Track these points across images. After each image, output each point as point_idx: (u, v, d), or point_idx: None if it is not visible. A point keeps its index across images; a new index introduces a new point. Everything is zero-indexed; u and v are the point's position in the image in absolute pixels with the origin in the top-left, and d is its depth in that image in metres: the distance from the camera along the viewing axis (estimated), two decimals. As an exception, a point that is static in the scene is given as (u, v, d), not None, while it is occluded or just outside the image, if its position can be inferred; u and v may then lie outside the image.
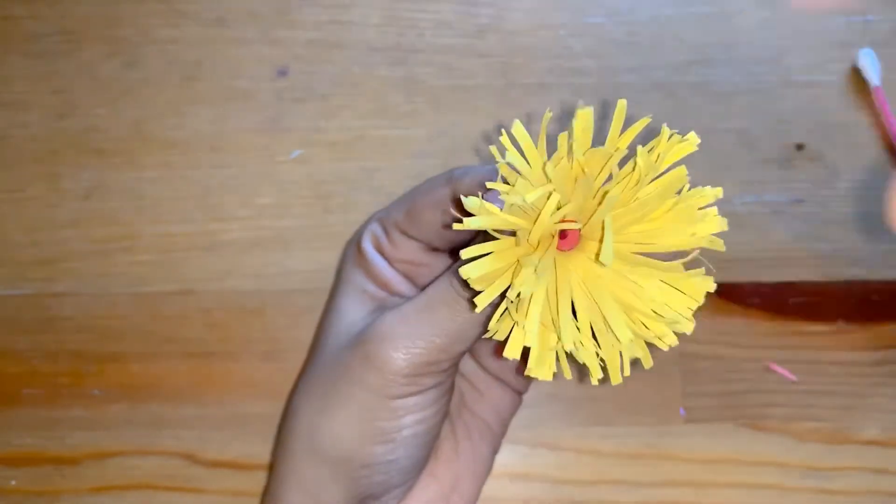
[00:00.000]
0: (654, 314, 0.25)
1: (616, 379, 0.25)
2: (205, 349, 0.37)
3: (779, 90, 0.39)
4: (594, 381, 0.25)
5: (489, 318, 0.25)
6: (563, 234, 0.25)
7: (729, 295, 0.37)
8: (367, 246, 0.33)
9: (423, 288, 0.33)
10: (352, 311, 0.32)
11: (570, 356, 0.25)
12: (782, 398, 0.37)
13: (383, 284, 0.33)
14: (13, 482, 0.36)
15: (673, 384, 0.37)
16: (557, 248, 0.25)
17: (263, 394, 0.36)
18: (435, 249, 0.33)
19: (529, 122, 0.39)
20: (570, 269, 0.25)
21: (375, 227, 0.33)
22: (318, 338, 0.34)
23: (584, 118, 0.23)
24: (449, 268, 0.30)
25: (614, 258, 0.24)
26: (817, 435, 0.36)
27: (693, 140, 0.24)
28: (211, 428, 0.36)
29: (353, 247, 0.34)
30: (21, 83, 0.39)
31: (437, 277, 0.30)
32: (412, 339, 0.28)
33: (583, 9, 0.40)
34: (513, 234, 0.24)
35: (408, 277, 0.33)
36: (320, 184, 0.38)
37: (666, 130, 0.24)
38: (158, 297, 0.37)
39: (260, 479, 0.36)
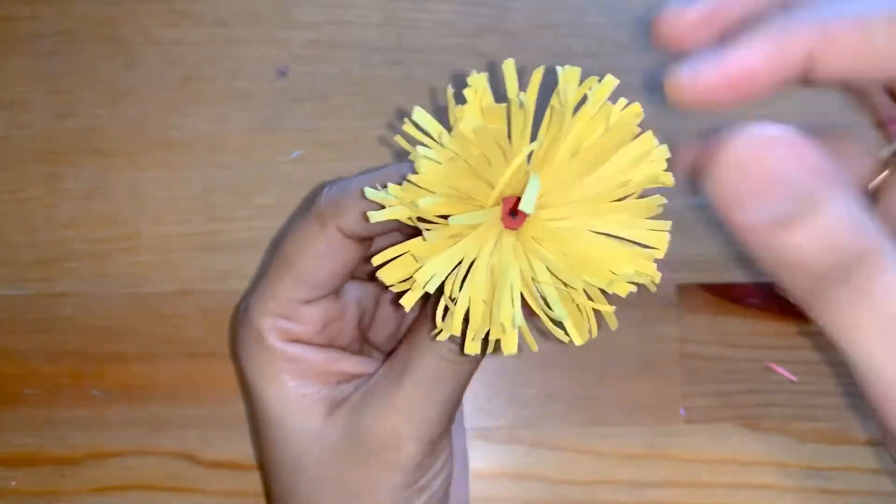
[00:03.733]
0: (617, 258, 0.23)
1: (583, 336, 0.23)
2: (205, 349, 0.37)
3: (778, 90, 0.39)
4: (564, 339, 0.23)
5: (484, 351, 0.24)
6: (510, 211, 0.23)
7: (729, 295, 0.37)
8: (282, 346, 0.29)
9: (366, 341, 0.32)
10: (306, 424, 0.29)
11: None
12: (782, 398, 0.36)
13: (322, 375, 0.29)
14: (13, 482, 0.36)
15: (673, 384, 0.37)
16: (506, 227, 0.23)
17: (263, 394, 0.36)
18: (334, 294, 0.30)
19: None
20: (517, 241, 0.23)
21: (270, 322, 0.29)
22: (276, 465, 0.30)
23: (477, 84, 0.22)
24: (411, 332, 0.28)
25: (563, 217, 0.23)
26: (817, 435, 0.36)
27: (610, 82, 0.23)
28: (211, 428, 0.36)
29: (257, 361, 0.29)
30: (21, 83, 0.39)
31: (398, 344, 0.29)
32: (426, 426, 0.27)
33: (583, 9, 0.40)
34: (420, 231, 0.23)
35: (332, 344, 0.30)
36: (320, 184, 0.38)
37: (586, 80, 0.22)
38: (158, 298, 0.37)
39: (260, 479, 0.36)
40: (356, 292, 0.31)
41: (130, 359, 0.37)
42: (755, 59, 0.21)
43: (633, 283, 0.23)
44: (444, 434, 0.29)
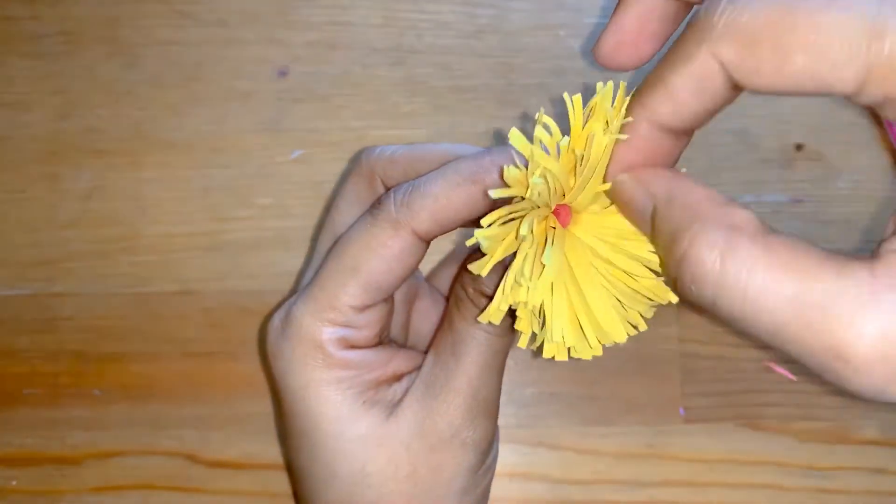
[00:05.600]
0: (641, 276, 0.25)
1: (621, 336, 0.25)
2: (205, 349, 0.37)
3: (778, 90, 0.39)
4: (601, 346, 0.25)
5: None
6: (556, 213, 0.25)
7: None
8: (342, 354, 0.28)
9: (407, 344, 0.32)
10: (370, 430, 0.28)
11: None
12: (782, 398, 0.37)
13: (378, 379, 0.29)
14: (14, 482, 0.36)
15: (673, 384, 0.37)
16: (562, 223, 0.25)
17: (263, 394, 0.36)
18: (385, 300, 0.29)
19: (527, 118, 0.39)
20: (572, 236, 0.25)
21: (331, 332, 0.28)
22: (334, 477, 0.29)
23: (607, 95, 0.23)
24: (449, 317, 0.29)
25: (598, 238, 0.24)
26: (817, 435, 0.36)
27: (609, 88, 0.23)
28: (211, 428, 0.36)
29: (311, 374, 0.28)
30: (22, 84, 0.39)
31: (435, 333, 0.30)
32: (492, 399, 0.29)
33: (582, 9, 0.40)
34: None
35: (382, 343, 0.30)
36: (320, 184, 0.38)
37: (600, 86, 0.23)
38: (159, 298, 0.37)
39: (260, 478, 0.36)
40: (402, 286, 0.31)
41: (130, 359, 0.37)
42: (625, 23, 0.25)
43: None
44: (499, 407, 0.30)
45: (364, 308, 0.28)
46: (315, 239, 0.35)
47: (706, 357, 0.37)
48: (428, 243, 0.28)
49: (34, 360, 0.37)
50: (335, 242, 0.29)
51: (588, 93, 0.23)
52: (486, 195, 0.26)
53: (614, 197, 0.23)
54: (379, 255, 0.27)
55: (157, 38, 0.39)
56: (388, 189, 0.29)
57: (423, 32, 0.39)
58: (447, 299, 0.33)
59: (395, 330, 0.32)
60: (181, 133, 0.39)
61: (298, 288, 0.31)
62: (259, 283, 0.37)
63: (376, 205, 0.27)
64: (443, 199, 0.26)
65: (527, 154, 0.23)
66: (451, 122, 0.39)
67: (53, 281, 0.37)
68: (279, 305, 0.30)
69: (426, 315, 0.33)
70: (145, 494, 0.36)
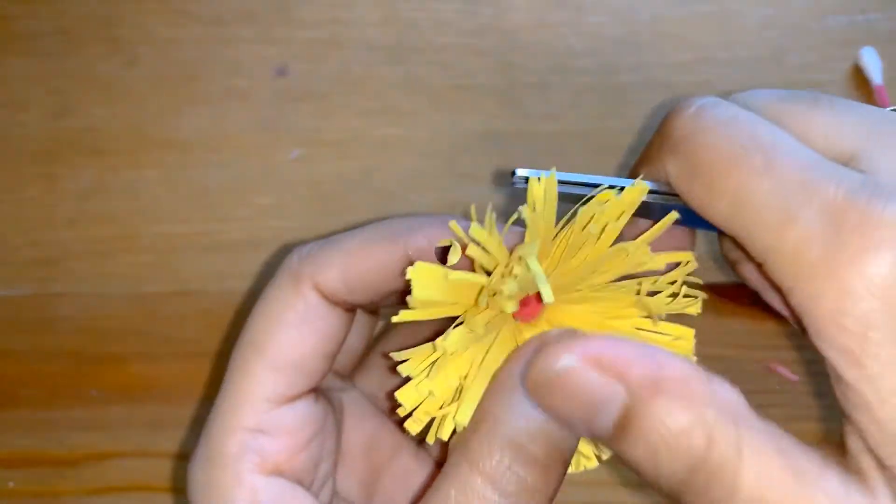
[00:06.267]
0: None
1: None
2: (204, 349, 0.37)
3: (780, 89, 0.39)
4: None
5: None
6: (523, 303, 0.21)
7: (730, 295, 0.37)
8: (261, 482, 0.22)
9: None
10: None
11: None
12: (783, 398, 0.36)
13: None
14: (11, 483, 0.36)
15: (674, 384, 0.37)
16: (514, 316, 0.21)
17: (263, 394, 0.36)
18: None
19: (527, 118, 0.38)
20: (518, 339, 0.22)
21: (238, 442, 0.22)
22: None
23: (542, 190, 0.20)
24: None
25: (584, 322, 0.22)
26: (817, 435, 0.36)
27: (641, 188, 0.20)
28: (210, 429, 0.36)
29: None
30: (19, 83, 0.39)
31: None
32: None
33: (583, 7, 0.40)
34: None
35: (315, 476, 0.23)
36: (320, 184, 0.38)
37: (604, 195, 0.20)
38: (157, 298, 0.37)
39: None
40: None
41: (129, 359, 0.37)
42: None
43: None
44: None
45: (283, 400, 0.22)
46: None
47: (706, 357, 0.37)
48: (350, 314, 0.23)
49: (31, 361, 0.37)
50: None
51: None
52: (408, 260, 0.21)
53: (548, 391, 0.19)
54: (283, 320, 0.22)
55: (154, 37, 0.39)
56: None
57: (423, 30, 0.39)
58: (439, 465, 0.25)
59: (353, 488, 0.25)
60: (179, 132, 0.38)
61: None
62: (259, 283, 0.37)
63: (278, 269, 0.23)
64: (355, 253, 0.22)
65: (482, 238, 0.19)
66: (450, 120, 0.39)
67: (51, 281, 0.37)
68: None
69: (402, 480, 0.26)
70: (144, 495, 0.36)
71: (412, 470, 0.26)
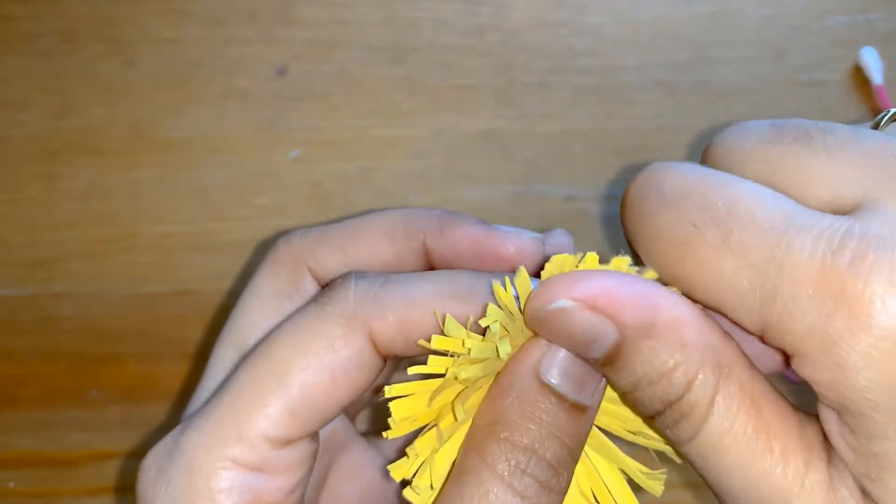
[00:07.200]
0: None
1: None
2: (203, 349, 0.37)
3: (780, 89, 0.39)
4: None
5: None
6: None
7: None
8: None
9: None
10: None
11: None
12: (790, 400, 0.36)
13: None
14: (11, 484, 0.36)
15: (674, 385, 0.36)
16: None
17: (262, 395, 0.36)
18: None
19: (527, 118, 0.38)
20: None
21: (229, 478, 0.20)
22: None
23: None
24: None
25: None
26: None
27: (592, 259, 0.19)
28: (210, 429, 0.36)
29: None
30: (19, 83, 0.39)
31: None
32: None
33: (583, 7, 0.40)
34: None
35: None
36: (320, 184, 0.38)
37: (559, 259, 0.19)
38: (157, 298, 0.37)
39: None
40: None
41: (129, 359, 0.37)
42: None
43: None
44: None
45: (286, 443, 0.20)
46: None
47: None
48: (384, 363, 0.21)
49: (31, 361, 0.37)
50: (252, 349, 0.21)
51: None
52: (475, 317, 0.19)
53: (541, 325, 0.19)
54: (321, 360, 0.19)
55: (154, 37, 0.39)
56: (323, 285, 0.22)
57: (423, 30, 0.39)
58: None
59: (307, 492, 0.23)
60: (179, 132, 0.38)
61: (183, 417, 0.24)
62: (258, 283, 0.37)
63: (326, 292, 0.20)
64: (422, 305, 0.19)
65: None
66: (450, 120, 0.39)
67: (51, 281, 0.37)
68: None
69: (351, 476, 0.24)
70: (143, 496, 0.36)
71: (361, 464, 0.25)
